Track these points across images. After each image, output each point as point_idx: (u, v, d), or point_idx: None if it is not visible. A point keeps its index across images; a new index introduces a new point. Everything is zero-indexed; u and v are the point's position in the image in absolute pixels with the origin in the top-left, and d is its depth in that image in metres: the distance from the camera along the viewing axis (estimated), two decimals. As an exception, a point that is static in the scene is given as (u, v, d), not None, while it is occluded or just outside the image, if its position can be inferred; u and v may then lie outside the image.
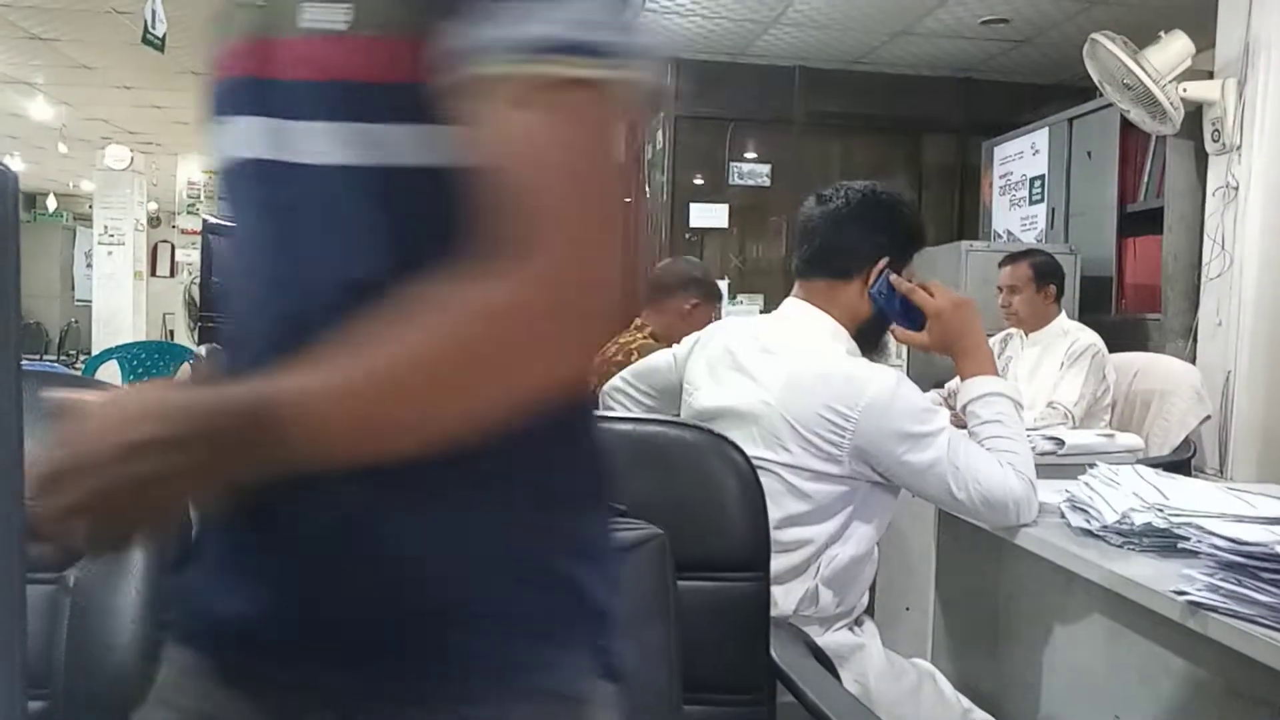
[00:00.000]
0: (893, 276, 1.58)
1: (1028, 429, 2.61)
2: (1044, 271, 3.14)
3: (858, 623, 1.58)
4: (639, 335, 2.93)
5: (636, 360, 2.77)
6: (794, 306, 1.62)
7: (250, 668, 0.67)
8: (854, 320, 1.59)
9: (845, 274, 1.58)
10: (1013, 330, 3.25)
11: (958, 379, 3.37)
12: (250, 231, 0.68)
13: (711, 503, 1.20)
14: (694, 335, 1.79)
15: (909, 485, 1.49)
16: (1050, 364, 3.06)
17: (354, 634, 0.64)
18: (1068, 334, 3.08)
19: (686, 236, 5.88)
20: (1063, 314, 3.19)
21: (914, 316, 1.58)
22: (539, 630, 0.66)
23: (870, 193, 1.63)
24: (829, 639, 1.47)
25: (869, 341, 1.62)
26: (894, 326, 1.61)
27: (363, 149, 0.60)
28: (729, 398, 1.55)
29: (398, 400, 0.57)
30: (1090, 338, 3.01)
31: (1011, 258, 3.23)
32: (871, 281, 1.57)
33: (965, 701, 1.54)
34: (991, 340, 3.34)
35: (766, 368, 1.53)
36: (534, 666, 0.65)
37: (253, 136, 0.65)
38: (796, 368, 1.50)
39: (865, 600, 1.58)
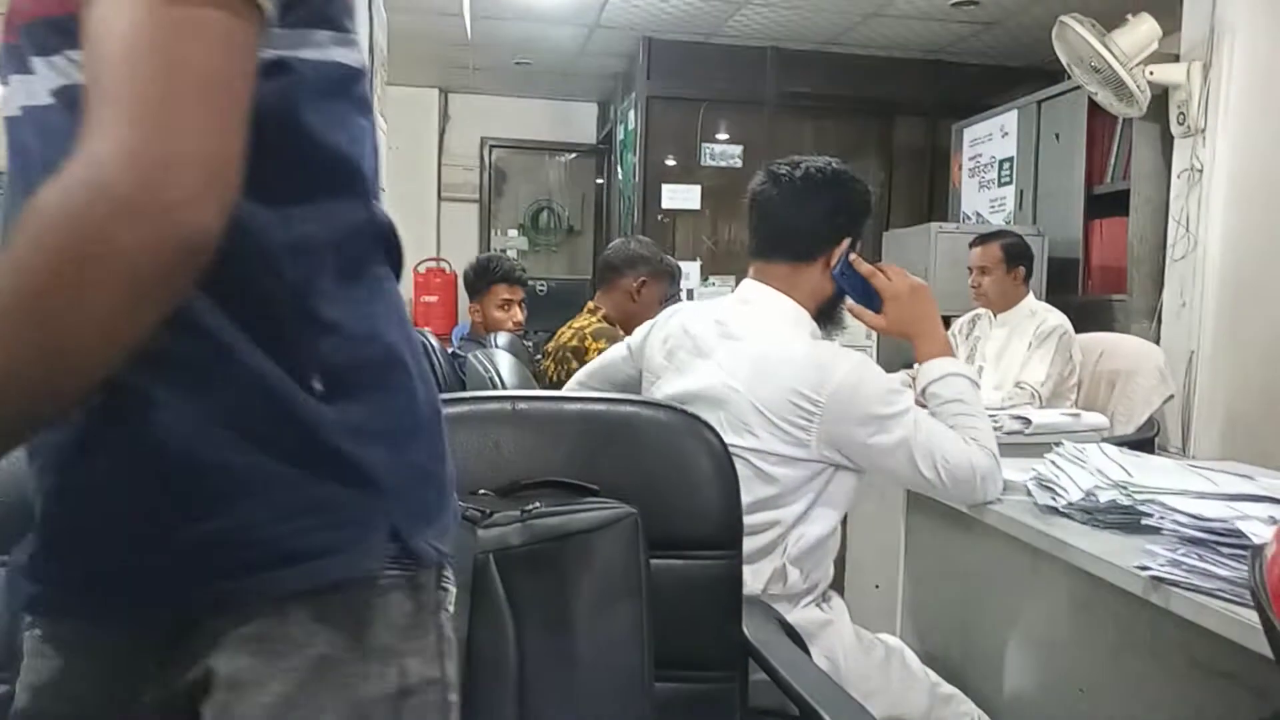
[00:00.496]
0: (853, 257, 1.58)
1: (996, 408, 2.66)
2: (1014, 253, 3.17)
3: (825, 599, 1.60)
4: (592, 319, 2.93)
5: (590, 345, 2.79)
6: (753, 289, 1.61)
7: (62, 631, 0.71)
8: (816, 301, 1.59)
9: (809, 256, 1.58)
10: (981, 311, 3.29)
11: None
12: (13, 185, 0.67)
13: (685, 482, 1.21)
14: (648, 323, 1.78)
15: (877, 466, 1.50)
16: (1018, 344, 3.09)
17: (128, 565, 0.66)
18: (1035, 315, 3.11)
19: (659, 218, 5.87)
20: (1030, 295, 3.22)
21: (873, 297, 1.59)
22: (311, 516, 0.66)
23: (829, 170, 1.60)
24: (798, 616, 1.49)
25: (830, 319, 1.63)
26: (851, 304, 1.62)
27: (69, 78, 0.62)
28: (694, 384, 1.55)
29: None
30: (1058, 319, 3.05)
31: (982, 239, 3.25)
32: (834, 263, 1.57)
33: (933, 675, 1.56)
34: (960, 320, 3.39)
35: (731, 353, 1.53)
36: (311, 554, 0.66)
37: (14, 94, 0.67)
38: (762, 353, 1.51)
39: (830, 575, 1.60)
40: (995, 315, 3.20)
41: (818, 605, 1.57)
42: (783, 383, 1.46)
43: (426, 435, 0.75)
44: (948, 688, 1.56)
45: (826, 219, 1.58)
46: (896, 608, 1.93)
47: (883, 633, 1.64)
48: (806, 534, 1.51)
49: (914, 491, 1.82)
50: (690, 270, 5.41)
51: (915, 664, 1.58)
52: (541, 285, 6.55)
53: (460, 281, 7.08)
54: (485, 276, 3.35)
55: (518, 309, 3.34)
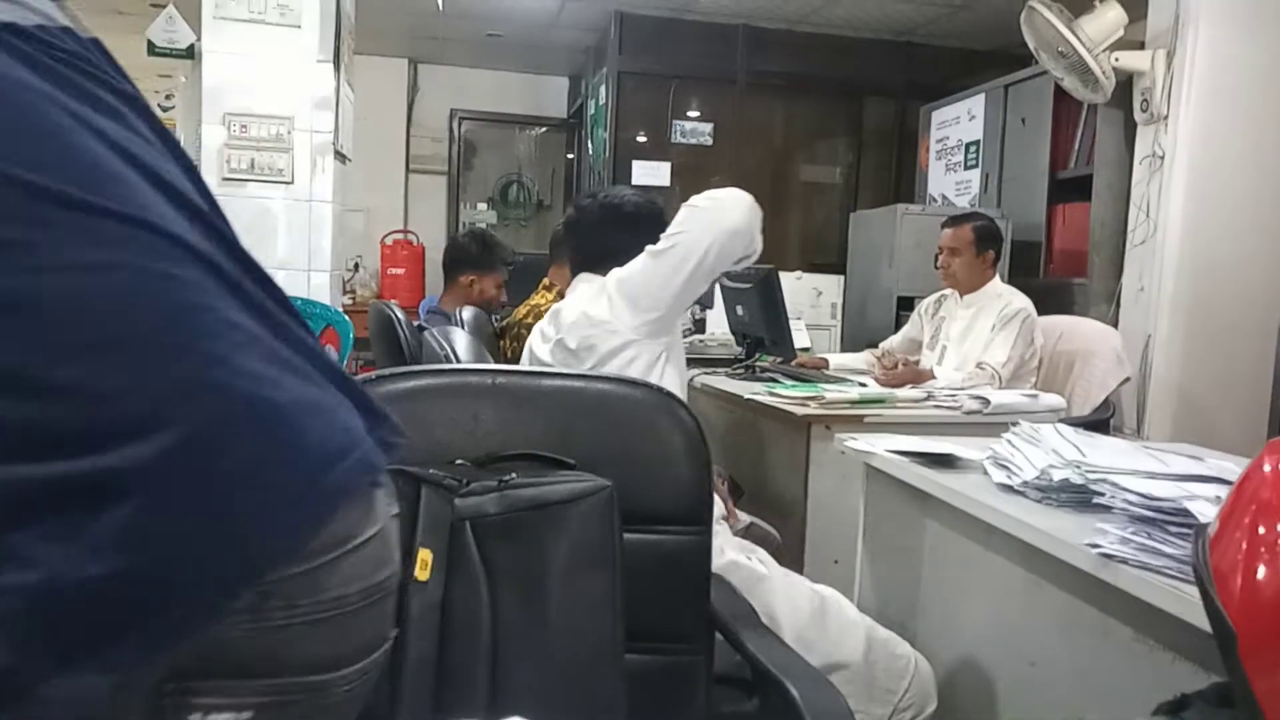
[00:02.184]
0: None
1: (956, 388, 2.70)
2: (985, 236, 3.20)
3: (751, 552, 1.70)
4: (548, 296, 2.93)
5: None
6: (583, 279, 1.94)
7: None
8: None
9: (613, 266, 1.86)
10: (947, 291, 3.32)
11: (891, 338, 3.46)
12: None
13: (658, 459, 1.23)
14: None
15: (668, 282, 1.73)
16: (983, 325, 3.13)
17: None
18: (1001, 297, 3.15)
19: (628, 193, 5.86)
20: (997, 278, 3.26)
21: None
22: None
23: (613, 197, 2.01)
24: (737, 578, 1.53)
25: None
26: None
27: None
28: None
29: None
30: (1022, 302, 3.09)
31: (953, 220, 3.27)
32: None
33: (869, 620, 1.63)
34: (926, 300, 3.43)
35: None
36: None
37: None
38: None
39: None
40: (961, 296, 3.25)
41: (747, 558, 1.66)
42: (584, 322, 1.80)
43: None
44: (884, 631, 1.63)
45: (627, 239, 1.87)
46: (855, 583, 1.97)
47: (820, 584, 1.71)
48: None
49: (872, 466, 1.85)
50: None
51: (852, 610, 1.66)
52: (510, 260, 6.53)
53: (427, 254, 7.05)
54: (493, 253, 3.34)
55: (504, 291, 3.37)
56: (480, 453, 1.16)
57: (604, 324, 1.76)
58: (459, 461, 1.14)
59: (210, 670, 0.65)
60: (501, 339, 2.97)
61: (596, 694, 1.07)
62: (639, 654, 1.17)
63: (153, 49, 4.56)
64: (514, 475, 1.10)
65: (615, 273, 1.80)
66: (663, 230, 1.85)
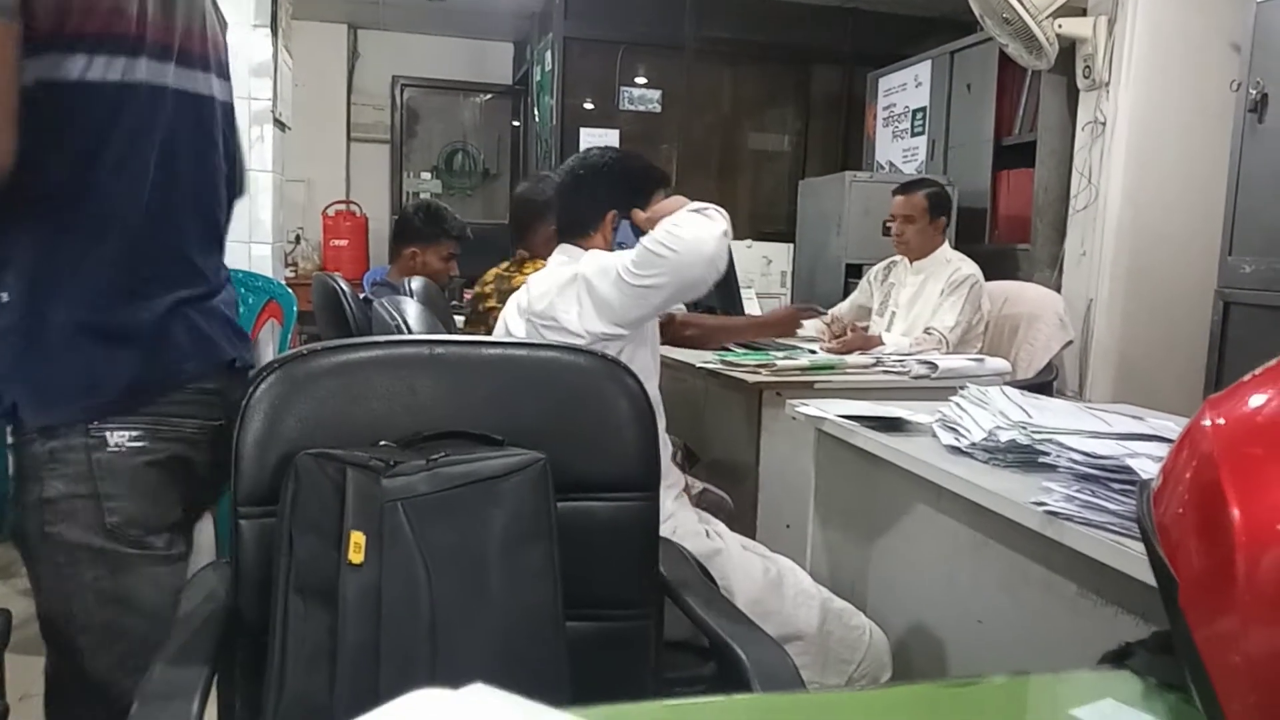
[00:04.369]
0: (636, 217, 1.86)
1: (904, 353, 2.73)
2: (936, 202, 3.22)
3: (708, 524, 1.73)
4: (522, 274, 2.86)
5: None
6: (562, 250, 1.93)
7: None
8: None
9: (584, 233, 1.91)
10: (897, 258, 3.35)
11: (840, 305, 3.48)
12: None
13: (604, 425, 1.22)
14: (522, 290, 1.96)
15: (632, 300, 1.68)
16: (931, 291, 3.16)
17: None
18: (950, 263, 3.18)
19: (576, 162, 5.81)
20: (946, 244, 3.29)
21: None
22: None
23: (579, 163, 1.98)
24: (690, 546, 1.54)
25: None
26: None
27: None
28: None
29: None
30: (970, 269, 3.13)
31: (905, 188, 3.28)
32: (611, 234, 1.90)
33: (825, 591, 1.65)
34: (875, 267, 3.45)
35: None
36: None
37: None
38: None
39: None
40: (912, 263, 3.27)
41: (706, 535, 1.67)
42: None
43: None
44: (839, 602, 1.65)
45: (588, 204, 1.91)
46: (806, 546, 1.99)
47: (773, 553, 1.73)
48: None
49: (823, 431, 1.87)
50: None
51: (807, 582, 1.68)
52: (456, 230, 6.44)
53: (370, 225, 6.93)
54: (438, 225, 3.27)
55: (455, 264, 3.31)
56: (418, 426, 1.14)
57: (568, 328, 1.73)
58: (383, 443, 1.12)
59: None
60: (486, 301, 2.83)
61: (539, 664, 1.07)
62: (585, 621, 1.16)
63: None
64: (444, 453, 1.08)
65: (590, 271, 1.73)
66: (643, 185, 1.90)
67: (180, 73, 1.32)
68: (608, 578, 1.20)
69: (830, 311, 3.35)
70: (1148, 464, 1.18)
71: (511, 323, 1.90)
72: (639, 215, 1.87)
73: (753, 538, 1.96)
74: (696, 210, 1.76)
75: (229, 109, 1.47)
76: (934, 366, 2.52)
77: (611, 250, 1.86)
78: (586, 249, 1.87)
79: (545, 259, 2.19)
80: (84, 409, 1.26)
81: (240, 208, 3.18)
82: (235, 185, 1.54)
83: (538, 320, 1.77)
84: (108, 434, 1.26)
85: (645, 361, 1.77)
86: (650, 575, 1.24)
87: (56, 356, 1.25)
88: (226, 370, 1.38)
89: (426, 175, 7.30)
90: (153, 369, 1.29)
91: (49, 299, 1.24)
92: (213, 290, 1.40)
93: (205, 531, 2.69)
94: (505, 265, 2.87)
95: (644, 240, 1.69)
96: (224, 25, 1.50)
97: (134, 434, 1.28)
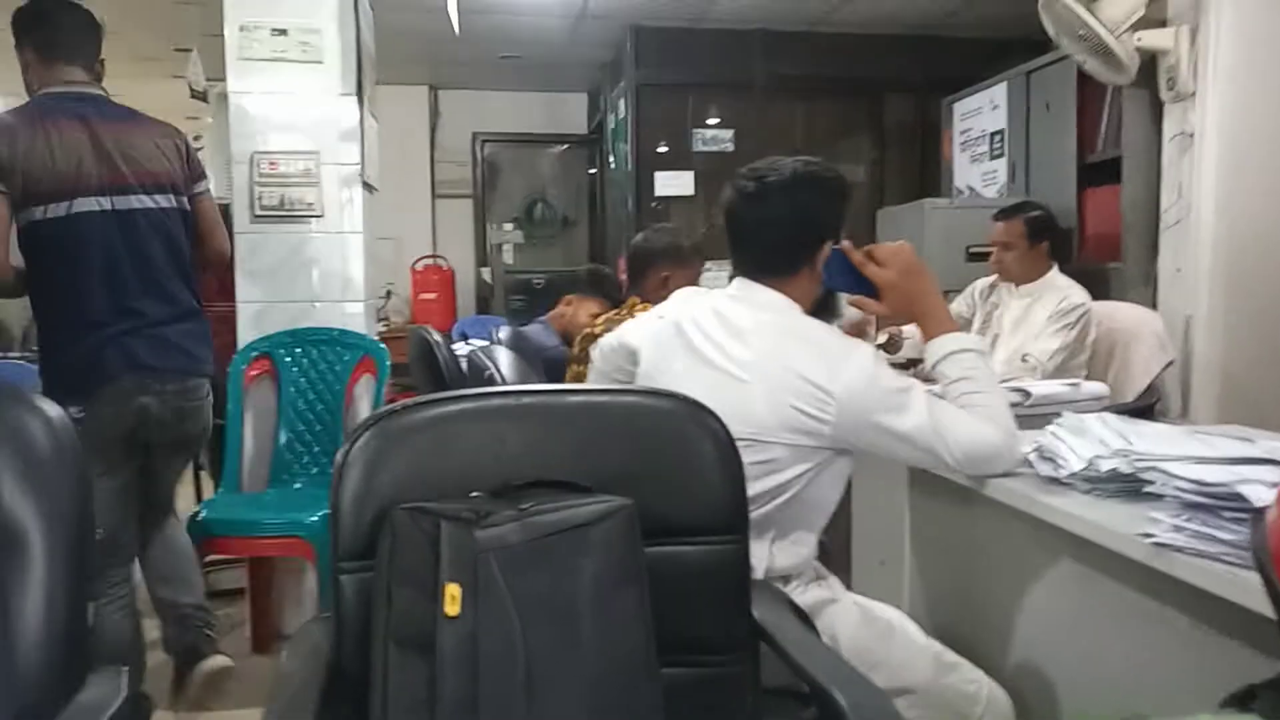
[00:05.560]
0: (846, 245, 1.57)
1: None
2: (1038, 227, 3.14)
3: (821, 578, 1.62)
4: (624, 311, 2.90)
5: None
6: (746, 286, 1.60)
7: None
8: (807, 301, 1.59)
9: (791, 270, 1.57)
10: None
11: (910, 325, 3.37)
12: None
13: (689, 469, 1.22)
14: (631, 324, 1.87)
15: (889, 454, 1.51)
16: (1038, 316, 3.07)
17: None
18: (1059, 290, 3.09)
19: (652, 205, 5.87)
20: (1055, 268, 3.19)
21: (869, 283, 1.58)
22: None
23: (792, 177, 1.58)
24: (800, 597, 1.50)
25: (826, 310, 1.63)
26: (850, 298, 1.62)
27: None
28: (699, 392, 1.42)
29: None
30: (1081, 296, 3.03)
31: (1004, 213, 3.20)
32: (818, 267, 1.57)
33: (937, 645, 1.57)
34: (982, 282, 3.36)
35: (735, 349, 1.53)
36: None
37: None
38: (769, 348, 1.50)
39: (814, 552, 1.62)
40: (1016, 286, 3.18)
41: (816, 584, 1.59)
42: (794, 373, 1.46)
43: None
44: (952, 656, 1.56)
45: (800, 229, 1.57)
46: (903, 583, 1.95)
47: (884, 604, 1.65)
48: (799, 513, 1.53)
49: (915, 467, 1.83)
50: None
51: (917, 634, 1.59)
52: (538, 278, 6.56)
53: (456, 277, 7.10)
54: (598, 285, 3.44)
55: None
56: (507, 476, 1.16)
57: (818, 399, 1.44)
58: (474, 494, 1.14)
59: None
60: (580, 365, 2.88)
61: (635, 711, 1.06)
62: (682, 667, 1.16)
63: (194, 93, 4.85)
64: (533, 503, 1.09)
65: (858, 376, 1.44)
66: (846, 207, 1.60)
67: (114, 199, 2.24)
68: (699, 622, 1.20)
69: (894, 330, 3.24)
70: (1261, 490, 1.13)
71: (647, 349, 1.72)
72: (854, 255, 1.57)
73: (847, 574, 1.91)
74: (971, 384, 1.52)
75: (161, 210, 2.34)
76: (1027, 394, 2.45)
77: (816, 288, 1.59)
78: (791, 295, 1.56)
79: (654, 304, 2.15)
80: None
81: (331, 268, 3.31)
82: (192, 250, 2.44)
83: (727, 365, 1.52)
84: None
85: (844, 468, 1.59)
86: (743, 619, 1.23)
87: None
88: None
89: (509, 226, 7.46)
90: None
91: None
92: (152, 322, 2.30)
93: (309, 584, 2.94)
94: (616, 310, 2.92)
95: (951, 433, 1.45)
96: (180, 149, 2.43)
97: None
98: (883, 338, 3.09)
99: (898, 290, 1.57)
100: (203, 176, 2.51)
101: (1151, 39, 3.46)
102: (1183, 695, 1.22)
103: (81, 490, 1.13)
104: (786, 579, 1.54)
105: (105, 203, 2.22)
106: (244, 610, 3.11)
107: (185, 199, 2.40)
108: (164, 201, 2.32)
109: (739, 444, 1.28)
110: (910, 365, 3.02)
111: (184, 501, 3.43)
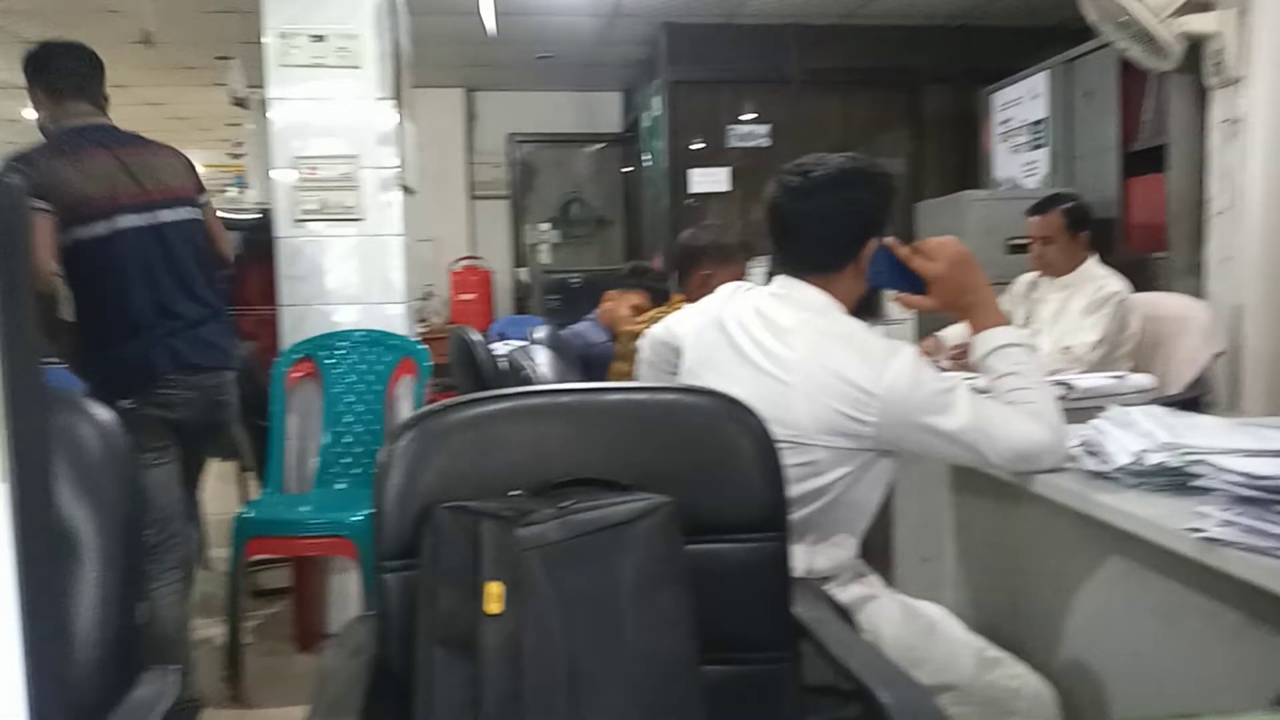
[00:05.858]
0: (890, 241, 1.55)
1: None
2: (1076, 218, 3.10)
3: (860, 575, 1.60)
4: (665, 309, 2.91)
5: None
6: (788, 284, 1.59)
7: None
8: (852, 300, 1.58)
9: (837, 267, 1.56)
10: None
11: (951, 329, 3.32)
12: None
13: (729, 466, 1.22)
14: (678, 316, 1.84)
15: (934, 454, 1.49)
16: (1075, 307, 3.03)
17: None
18: (1095, 279, 3.05)
19: (688, 202, 5.86)
20: (1093, 259, 3.15)
21: (915, 279, 1.55)
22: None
23: (839, 173, 1.55)
24: (841, 594, 1.49)
25: (868, 310, 1.61)
26: (897, 295, 1.59)
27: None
28: (738, 386, 1.43)
29: None
30: (1117, 284, 2.99)
31: (1039, 207, 3.16)
32: (864, 264, 1.55)
33: (979, 640, 1.55)
34: (1021, 279, 3.33)
35: (777, 348, 1.52)
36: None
37: None
38: (810, 348, 1.49)
39: (856, 552, 1.60)
40: (1055, 279, 3.14)
41: (857, 581, 1.58)
42: (836, 375, 1.44)
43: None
44: (995, 650, 1.54)
45: (845, 227, 1.55)
46: (946, 580, 1.93)
47: (926, 601, 1.63)
48: (840, 515, 1.52)
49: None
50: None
51: (960, 630, 1.57)
52: (575, 278, 6.58)
53: (495, 277, 7.14)
54: (640, 278, 3.45)
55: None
56: (547, 474, 1.16)
57: (860, 401, 1.43)
58: (514, 492, 1.15)
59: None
60: (624, 361, 2.90)
61: (677, 708, 1.07)
62: (723, 664, 1.16)
63: (234, 100, 4.98)
64: (573, 500, 1.10)
65: (900, 377, 1.43)
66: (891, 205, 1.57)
67: (147, 215, 2.48)
68: (740, 620, 1.20)
69: (939, 334, 3.23)
70: (1314, 482, 1.10)
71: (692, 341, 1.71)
72: (900, 250, 1.54)
73: (889, 572, 1.90)
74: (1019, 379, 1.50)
75: (186, 222, 2.58)
76: (1069, 387, 2.41)
77: (860, 285, 1.57)
78: (835, 292, 1.55)
79: (697, 301, 2.13)
80: None
81: (372, 271, 3.37)
82: (213, 257, 2.70)
83: (768, 366, 1.51)
84: None
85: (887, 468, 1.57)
86: (784, 616, 1.23)
87: None
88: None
89: (545, 226, 7.49)
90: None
91: None
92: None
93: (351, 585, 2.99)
94: (661, 307, 2.93)
95: (995, 432, 1.43)
96: (187, 166, 2.67)
97: None
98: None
99: (947, 282, 1.54)
100: (204, 189, 2.74)
101: (1196, 23, 3.39)
102: (1234, 693, 1.19)
103: (131, 493, 1.15)
104: (826, 579, 1.53)
105: (141, 219, 2.47)
106: (289, 609, 3.16)
107: (199, 210, 2.66)
108: (185, 214, 2.58)
109: (780, 446, 1.28)
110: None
111: (229, 503, 3.50)
